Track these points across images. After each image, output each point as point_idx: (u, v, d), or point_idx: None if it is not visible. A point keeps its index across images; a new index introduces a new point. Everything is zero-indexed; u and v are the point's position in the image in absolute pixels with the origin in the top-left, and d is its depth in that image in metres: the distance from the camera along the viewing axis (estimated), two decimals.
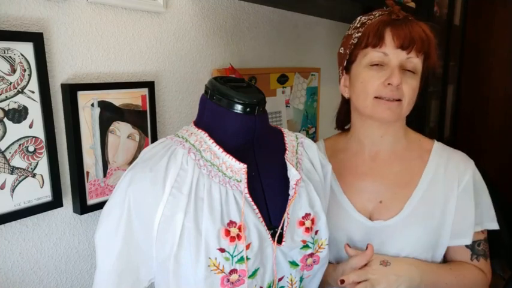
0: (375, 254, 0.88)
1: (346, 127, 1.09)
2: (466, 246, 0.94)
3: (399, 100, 0.88)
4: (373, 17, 0.92)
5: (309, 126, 1.73)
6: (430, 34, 0.89)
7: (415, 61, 0.88)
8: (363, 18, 0.94)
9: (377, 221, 0.93)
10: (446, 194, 0.93)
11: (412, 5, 1.89)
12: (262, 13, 1.43)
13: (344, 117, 1.07)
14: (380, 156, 0.99)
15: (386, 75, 0.87)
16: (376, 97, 0.89)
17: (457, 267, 0.93)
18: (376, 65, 0.89)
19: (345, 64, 0.97)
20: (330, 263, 0.92)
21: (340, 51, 0.99)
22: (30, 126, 0.84)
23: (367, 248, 0.87)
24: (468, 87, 3.25)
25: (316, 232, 0.77)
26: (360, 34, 0.91)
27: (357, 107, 0.96)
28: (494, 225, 0.97)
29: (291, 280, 0.75)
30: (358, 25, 0.94)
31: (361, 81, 0.91)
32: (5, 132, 0.80)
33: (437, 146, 1.00)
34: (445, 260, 0.97)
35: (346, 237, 0.95)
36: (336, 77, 1.93)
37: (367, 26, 0.91)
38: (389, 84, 0.86)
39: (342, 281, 0.85)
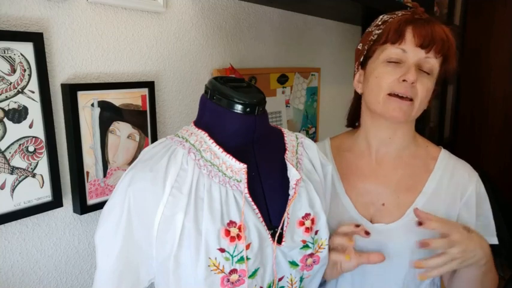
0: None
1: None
2: None
3: (411, 100, 0.87)
4: (395, 15, 0.92)
5: (309, 126, 1.73)
6: (451, 37, 0.88)
7: (433, 62, 0.87)
8: (385, 16, 0.94)
9: (378, 224, 0.92)
10: (449, 204, 0.93)
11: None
12: (262, 13, 1.43)
13: (354, 114, 1.05)
14: (386, 160, 0.98)
15: (402, 72, 0.86)
16: (389, 94, 0.87)
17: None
18: (394, 62, 0.88)
19: (361, 59, 0.96)
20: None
21: (359, 47, 0.98)
22: (30, 126, 0.84)
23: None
24: (468, 87, 3.25)
25: (316, 232, 0.77)
26: (380, 31, 0.91)
27: (369, 104, 0.94)
28: (494, 240, 0.95)
29: (291, 280, 0.75)
30: (380, 23, 0.93)
31: (376, 76, 0.90)
32: (5, 132, 0.80)
33: (444, 155, 0.99)
34: None
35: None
36: (336, 77, 1.94)
37: (388, 23, 0.90)
38: (404, 80, 0.85)
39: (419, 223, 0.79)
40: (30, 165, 0.85)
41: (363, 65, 0.96)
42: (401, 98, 0.86)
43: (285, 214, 0.73)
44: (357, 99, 1.03)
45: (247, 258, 0.67)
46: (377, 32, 0.92)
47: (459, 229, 0.80)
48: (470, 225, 0.91)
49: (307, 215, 0.75)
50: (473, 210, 0.93)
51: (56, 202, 0.89)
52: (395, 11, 0.94)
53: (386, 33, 0.88)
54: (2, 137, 0.80)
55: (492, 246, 0.97)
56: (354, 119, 1.06)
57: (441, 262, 0.79)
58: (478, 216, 0.94)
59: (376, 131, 0.97)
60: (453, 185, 0.94)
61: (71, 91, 0.89)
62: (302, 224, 0.75)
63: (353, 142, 1.03)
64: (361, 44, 0.97)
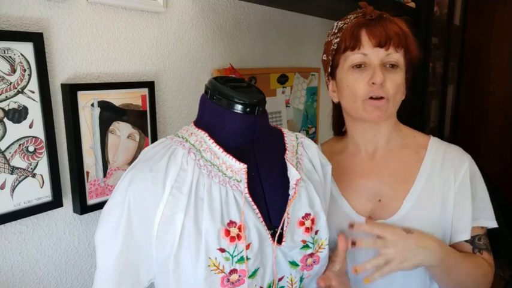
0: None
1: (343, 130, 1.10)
2: (466, 241, 0.94)
3: (384, 98, 0.89)
4: (348, 20, 0.94)
5: (309, 126, 1.73)
6: (405, 28, 0.91)
7: (396, 56, 0.90)
8: (340, 23, 0.96)
9: (376, 220, 0.93)
10: (444, 189, 0.94)
11: (412, 5, 1.90)
12: (262, 13, 1.43)
13: (338, 122, 1.08)
14: (377, 156, 1.00)
15: (369, 75, 0.89)
16: (365, 99, 0.90)
17: (471, 256, 0.93)
18: (359, 66, 0.90)
19: (329, 70, 0.99)
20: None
21: (324, 58, 1.01)
22: (30, 126, 0.84)
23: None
24: (468, 87, 3.25)
25: (316, 232, 0.77)
26: (338, 39, 0.93)
27: (348, 111, 0.97)
28: (493, 224, 0.96)
29: (291, 280, 0.75)
30: (336, 30, 0.95)
31: (347, 85, 0.92)
32: (5, 132, 0.80)
33: (433, 141, 1.00)
34: None
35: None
36: None
37: (343, 30, 0.93)
38: (373, 83, 0.88)
39: (352, 226, 0.86)
40: (30, 165, 0.85)
41: (332, 75, 0.98)
42: (376, 98, 0.89)
43: (285, 214, 0.73)
44: (337, 107, 1.05)
45: (247, 258, 0.67)
46: (335, 41, 0.94)
47: (396, 230, 0.84)
48: (465, 208, 0.92)
49: (307, 215, 0.75)
50: (469, 192, 0.94)
51: (56, 202, 0.89)
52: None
53: (344, 42, 0.91)
54: (2, 137, 0.80)
55: (491, 245, 0.97)
56: (339, 127, 1.09)
57: (377, 263, 0.82)
58: (474, 198, 0.94)
59: (361, 132, 1.00)
60: (446, 170, 0.95)
61: (71, 91, 0.89)
62: (302, 224, 0.75)
63: (343, 145, 1.06)
64: (325, 55, 1.00)
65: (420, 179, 0.95)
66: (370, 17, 0.91)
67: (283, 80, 1.54)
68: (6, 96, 0.80)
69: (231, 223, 0.67)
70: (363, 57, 0.89)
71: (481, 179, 0.97)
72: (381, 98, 0.89)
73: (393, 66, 0.90)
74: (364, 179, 0.98)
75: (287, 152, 0.80)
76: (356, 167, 1.00)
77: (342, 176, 1.00)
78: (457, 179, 0.94)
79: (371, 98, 0.89)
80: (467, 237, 0.93)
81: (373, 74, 0.88)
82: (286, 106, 1.58)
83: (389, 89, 0.89)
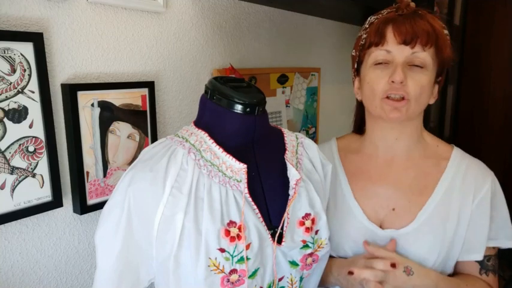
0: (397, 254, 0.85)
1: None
2: (476, 260, 0.91)
3: (405, 99, 0.85)
4: (381, 15, 0.90)
5: (309, 126, 1.73)
6: (437, 27, 0.86)
7: (422, 55, 0.84)
8: (372, 18, 0.92)
9: (388, 229, 0.90)
10: (461, 206, 0.90)
11: (412, 5, 1.89)
12: (262, 13, 1.43)
13: (361, 120, 1.04)
14: (395, 162, 0.95)
15: (391, 73, 0.85)
16: (383, 98, 0.86)
17: (470, 283, 0.90)
18: (381, 63, 0.87)
19: (355, 66, 0.95)
20: (331, 256, 0.90)
21: (352, 53, 0.97)
22: (30, 126, 0.84)
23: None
24: (468, 87, 3.25)
25: (317, 232, 0.77)
26: (366, 35, 0.90)
27: (368, 108, 0.94)
28: (510, 244, 0.92)
29: (291, 280, 0.75)
30: (367, 25, 0.92)
31: (368, 82, 0.89)
32: (5, 132, 0.80)
33: (456, 154, 0.96)
34: (454, 270, 0.94)
35: (354, 244, 0.92)
36: (336, 77, 1.94)
37: (372, 25, 0.89)
38: (392, 81, 0.84)
39: (351, 273, 0.84)
40: (30, 165, 0.85)
41: (358, 71, 0.95)
42: (395, 99, 0.85)
43: (285, 214, 0.73)
44: (360, 105, 1.01)
45: (247, 258, 0.67)
46: (364, 36, 0.91)
47: (398, 272, 0.82)
48: (481, 228, 0.89)
49: (307, 215, 0.75)
50: (487, 213, 0.90)
51: (56, 202, 0.89)
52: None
53: (369, 37, 0.88)
54: (2, 137, 0.80)
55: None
56: (360, 125, 1.05)
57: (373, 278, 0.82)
58: (493, 218, 0.91)
59: (381, 133, 0.95)
60: (466, 185, 0.91)
61: (71, 91, 0.89)
62: (302, 224, 0.75)
63: (360, 144, 1.01)
64: (354, 50, 0.96)
65: (438, 192, 0.91)
66: (402, 12, 0.86)
67: (283, 80, 1.54)
68: (6, 96, 0.80)
69: (231, 223, 0.67)
70: (386, 54, 0.85)
71: (502, 197, 0.93)
72: (402, 99, 0.85)
73: (419, 65, 0.85)
74: (379, 185, 0.94)
75: (287, 152, 0.80)
76: (372, 170, 0.96)
77: (356, 178, 0.97)
78: (476, 197, 0.90)
79: (389, 97, 0.85)
80: (479, 258, 0.90)
81: (393, 72, 0.84)
82: (286, 106, 1.58)
83: (411, 89, 0.84)
